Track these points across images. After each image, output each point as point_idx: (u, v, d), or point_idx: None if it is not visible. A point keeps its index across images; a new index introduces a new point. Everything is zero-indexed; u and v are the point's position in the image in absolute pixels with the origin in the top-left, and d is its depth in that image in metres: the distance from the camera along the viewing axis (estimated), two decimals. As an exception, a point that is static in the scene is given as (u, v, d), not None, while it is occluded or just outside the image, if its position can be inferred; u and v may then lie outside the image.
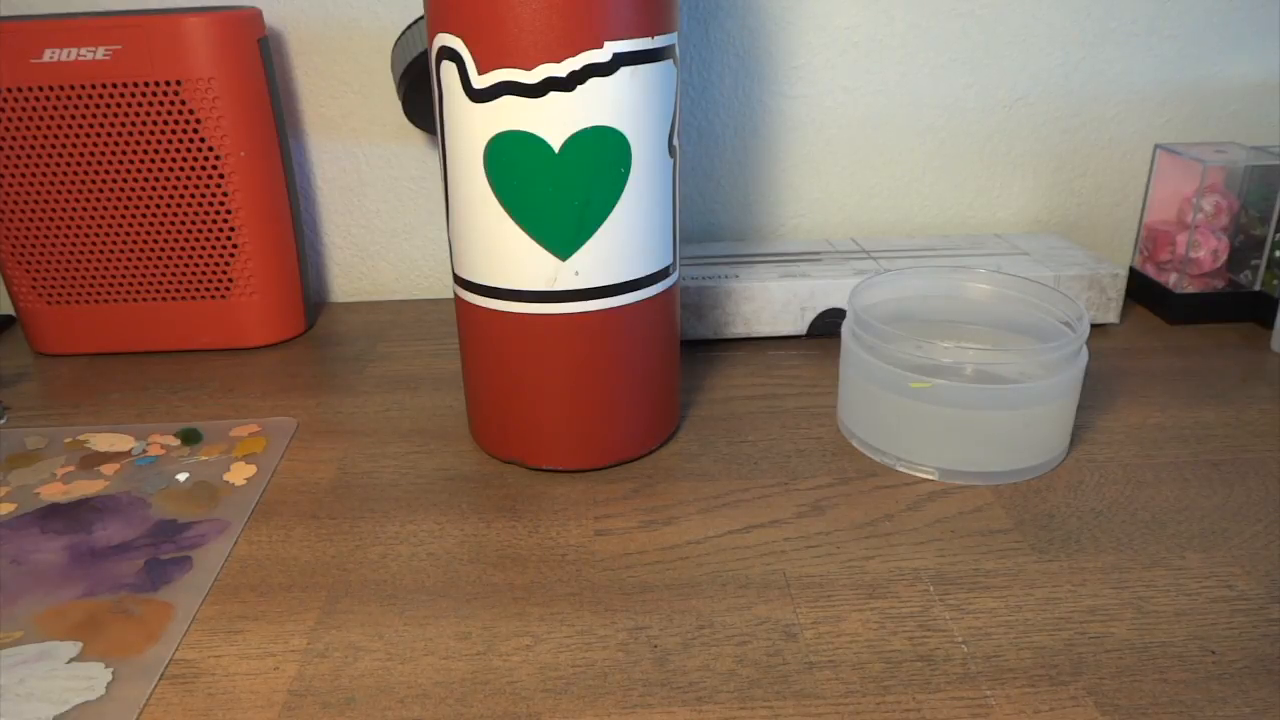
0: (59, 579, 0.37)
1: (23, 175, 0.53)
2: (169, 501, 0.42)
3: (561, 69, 0.36)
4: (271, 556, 0.38)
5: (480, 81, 0.37)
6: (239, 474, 0.44)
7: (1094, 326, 0.59)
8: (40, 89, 0.52)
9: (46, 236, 0.55)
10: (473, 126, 0.38)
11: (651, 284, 0.42)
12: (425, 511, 0.41)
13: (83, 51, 0.51)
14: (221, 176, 0.54)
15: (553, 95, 0.37)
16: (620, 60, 0.37)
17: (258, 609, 0.36)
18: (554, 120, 0.37)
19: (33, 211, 0.54)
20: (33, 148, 0.53)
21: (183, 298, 0.57)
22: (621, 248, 0.40)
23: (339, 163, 0.64)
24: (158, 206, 0.54)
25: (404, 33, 0.53)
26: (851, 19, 0.61)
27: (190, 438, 0.47)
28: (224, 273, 0.56)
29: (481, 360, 0.43)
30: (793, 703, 0.30)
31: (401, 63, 0.53)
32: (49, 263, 0.56)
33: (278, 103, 0.56)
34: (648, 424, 0.44)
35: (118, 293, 0.57)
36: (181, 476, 0.44)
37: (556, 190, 0.38)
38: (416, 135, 0.63)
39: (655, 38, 0.38)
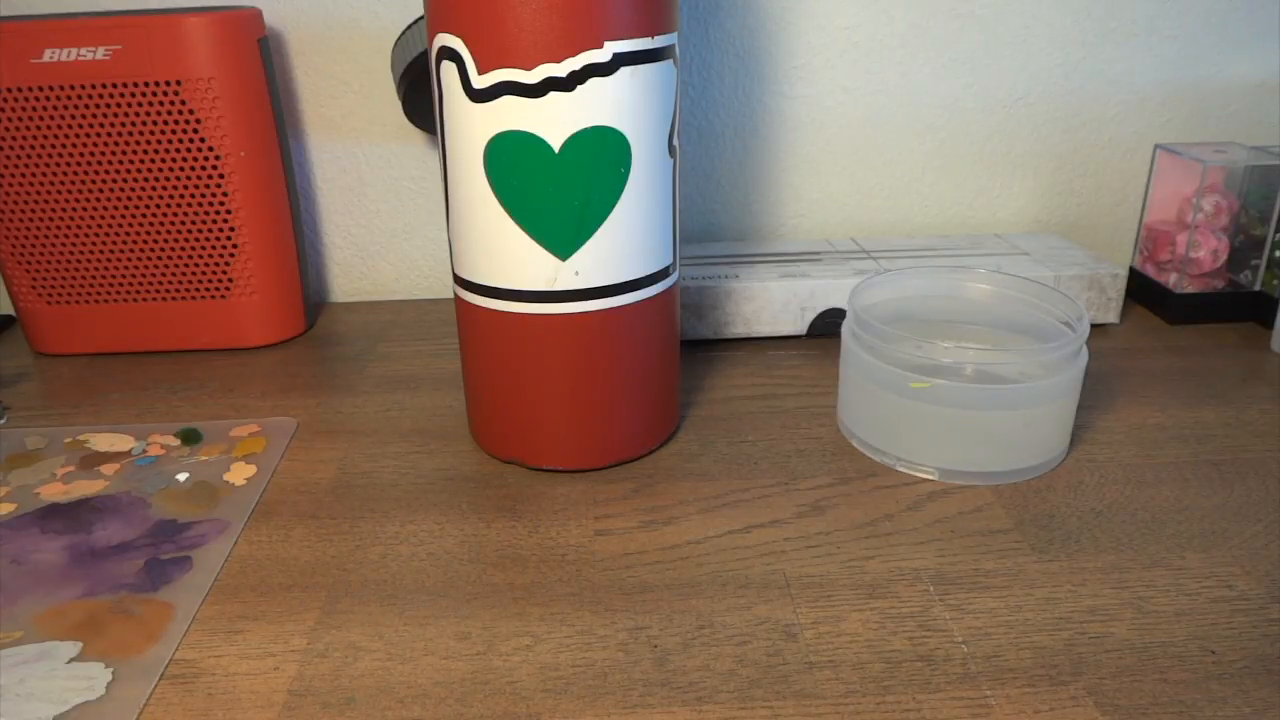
0: (59, 579, 0.37)
1: (23, 175, 0.53)
2: (169, 501, 0.42)
3: (561, 69, 0.36)
4: (271, 556, 0.38)
5: (480, 81, 0.37)
6: (239, 474, 0.44)
7: (1094, 326, 0.59)
8: (40, 89, 0.52)
9: (46, 236, 0.55)
10: (473, 126, 0.38)
11: (651, 284, 0.42)
12: (425, 511, 0.41)
13: (83, 51, 0.51)
14: (221, 176, 0.54)
15: (553, 95, 0.37)
16: (620, 60, 0.37)
17: (258, 609, 0.36)
18: (554, 120, 0.37)
19: (33, 211, 0.54)
20: (33, 148, 0.53)
21: (183, 298, 0.57)
22: (621, 248, 0.40)
23: (339, 163, 0.64)
24: (158, 206, 0.54)
25: (404, 33, 0.53)
26: (851, 19, 0.61)
27: (190, 438, 0.47)
28: (224, 273, 0.56)
29: (481, 360, 0.43)
30: (793, 703, 0.30)
31: (401, 63, 0.53)
32: (49, 263, 0.56)
33: (278, 103, 0.56)
34: (648, 424, 0.44)
35: (118, 293, 0.57)
36: (181, 476, 0.44)
37: (556, 190, 0.38)
38: (416, 135, 0.63)
39: (655, 38, 0.38)
